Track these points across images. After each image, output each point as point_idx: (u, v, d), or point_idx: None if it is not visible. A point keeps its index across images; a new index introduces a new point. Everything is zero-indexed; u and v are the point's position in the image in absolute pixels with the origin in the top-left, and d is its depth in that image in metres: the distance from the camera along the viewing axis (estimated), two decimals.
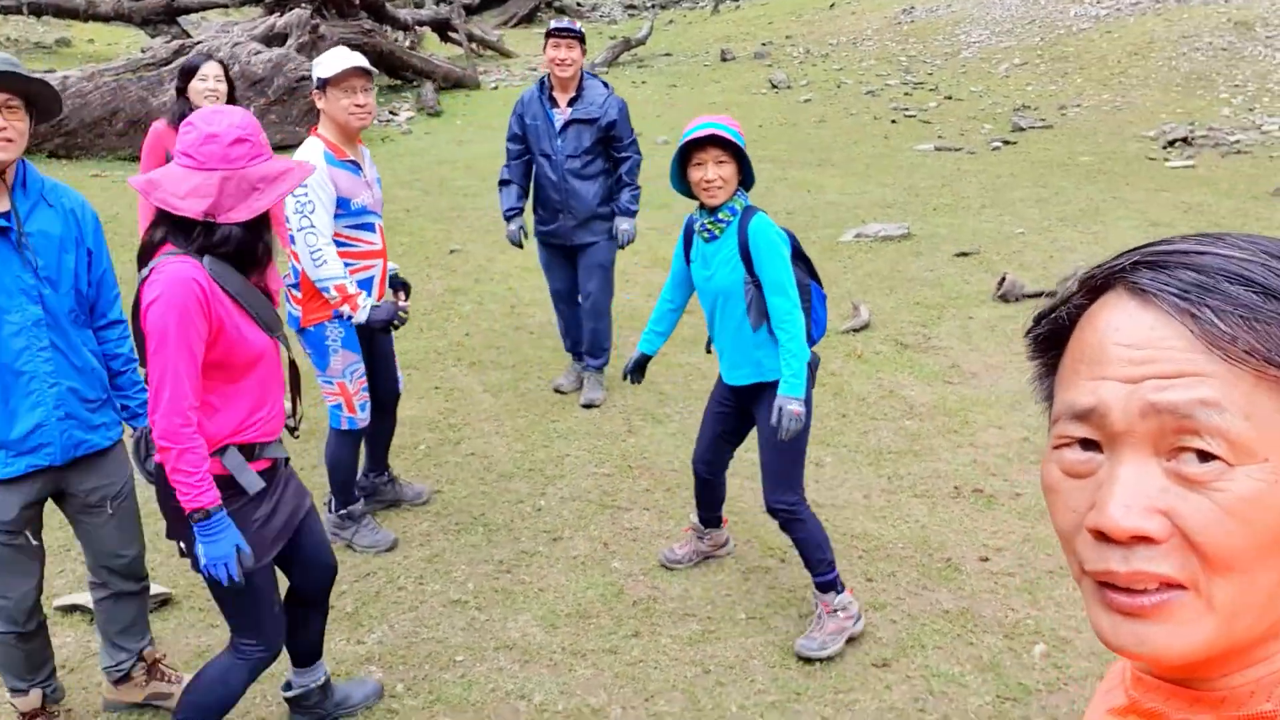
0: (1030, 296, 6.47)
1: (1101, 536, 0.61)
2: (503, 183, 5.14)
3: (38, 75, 2.52)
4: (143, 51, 13.36)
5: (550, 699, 3.06)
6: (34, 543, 2.69)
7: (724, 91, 15.88)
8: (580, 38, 4.86)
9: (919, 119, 13.41)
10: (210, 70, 4.44)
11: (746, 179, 3.17)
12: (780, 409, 3.07)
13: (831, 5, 22.58)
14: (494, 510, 4.15)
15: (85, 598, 3.46)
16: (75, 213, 2.68)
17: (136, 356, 2.69)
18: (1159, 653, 0.61)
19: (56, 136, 10.77)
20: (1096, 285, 0.67)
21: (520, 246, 5.23)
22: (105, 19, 15.60)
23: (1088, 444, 0.64)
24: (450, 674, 3.18)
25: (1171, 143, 11.21)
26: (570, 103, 4.92)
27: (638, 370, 3.61)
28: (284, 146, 11.72)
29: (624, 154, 4.99)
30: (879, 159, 11.31)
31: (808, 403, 3.13)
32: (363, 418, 3.76)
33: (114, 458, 2.83)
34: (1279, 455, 0.58)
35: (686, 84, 16.88)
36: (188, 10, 16.48)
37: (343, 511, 3.88)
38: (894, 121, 13.33)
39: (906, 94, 15.00)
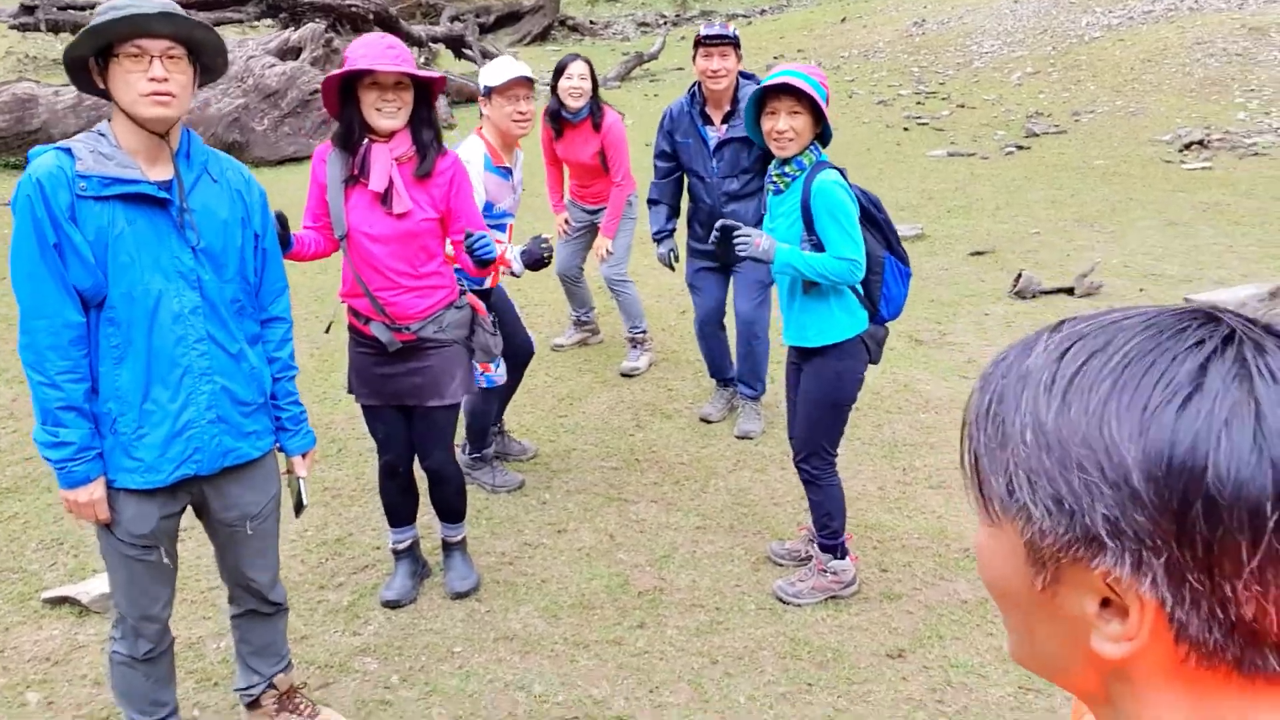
0: (1046, 293, 6.32)
1: None
2: (651, 202, 4.70)
3: (201, 20, 2.17)
4: None
5: (551, 690, 2.93)
6: (166, 561, 2.38)
7: None
8: (735, 43, 4.22)
9: (931, 126, 13.31)
10: (576, 69, 4.78)
11: (824, 134, 3.05)
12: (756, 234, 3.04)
13: (843, 19, 22.55)
14: (497, 503, 4.04)
15: (74, 590, 3.37)
16: (241, 190, 2.36)
17: (294, 364, 2.56)
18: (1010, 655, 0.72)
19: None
20: None
21: (672, 269, 4.84)
22: None
23: None
24: (448, 665, 3.06)
25: (1187, 146, 11.05)
26: (725, 118, 4.37)
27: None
28: (298, 159, 11.73)
29: None
30: (892, 164, 11.20)
31: (853, 378, 3.10)
32: (499, 375, 3.92)
33: (261, 471, 2.49)
34: (1004, 530, 0.63)
35: None
36: None
37: (475, 455, 4.17)
38: (906, 129, 13.24)
39: (919, 103, 14.90)
